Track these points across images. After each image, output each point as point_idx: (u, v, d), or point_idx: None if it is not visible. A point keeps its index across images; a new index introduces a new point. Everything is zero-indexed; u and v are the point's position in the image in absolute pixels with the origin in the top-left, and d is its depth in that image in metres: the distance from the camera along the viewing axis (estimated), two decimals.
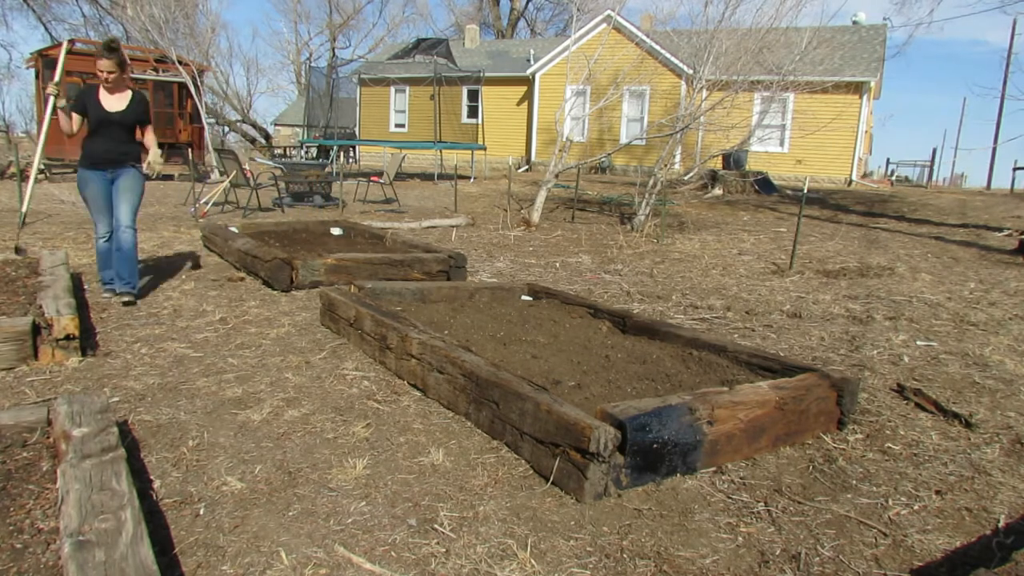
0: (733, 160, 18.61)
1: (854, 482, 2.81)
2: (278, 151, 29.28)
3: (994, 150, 30.90)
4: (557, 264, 7.94)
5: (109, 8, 30.32)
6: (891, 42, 26.21)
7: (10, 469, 2.40)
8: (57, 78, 5.74)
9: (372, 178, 14.23)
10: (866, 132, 22.53)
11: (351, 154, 27.90)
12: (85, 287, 5.72)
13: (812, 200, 15.08)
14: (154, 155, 5.23)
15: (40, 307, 4.02)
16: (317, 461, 2.83)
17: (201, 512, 2.41)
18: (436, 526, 2.38)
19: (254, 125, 33.10)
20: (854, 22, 24.35)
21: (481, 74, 24.35)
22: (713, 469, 2.85)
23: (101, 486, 2.12)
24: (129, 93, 5.17)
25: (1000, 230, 11.20)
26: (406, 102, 28.02)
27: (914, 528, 2.48)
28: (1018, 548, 2.18)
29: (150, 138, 5.30)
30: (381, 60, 28.56)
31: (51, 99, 5.42)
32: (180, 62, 19.49)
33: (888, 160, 34.72)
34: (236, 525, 2.34)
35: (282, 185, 12.76)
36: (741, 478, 2.80)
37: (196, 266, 6.83)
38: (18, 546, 2.00)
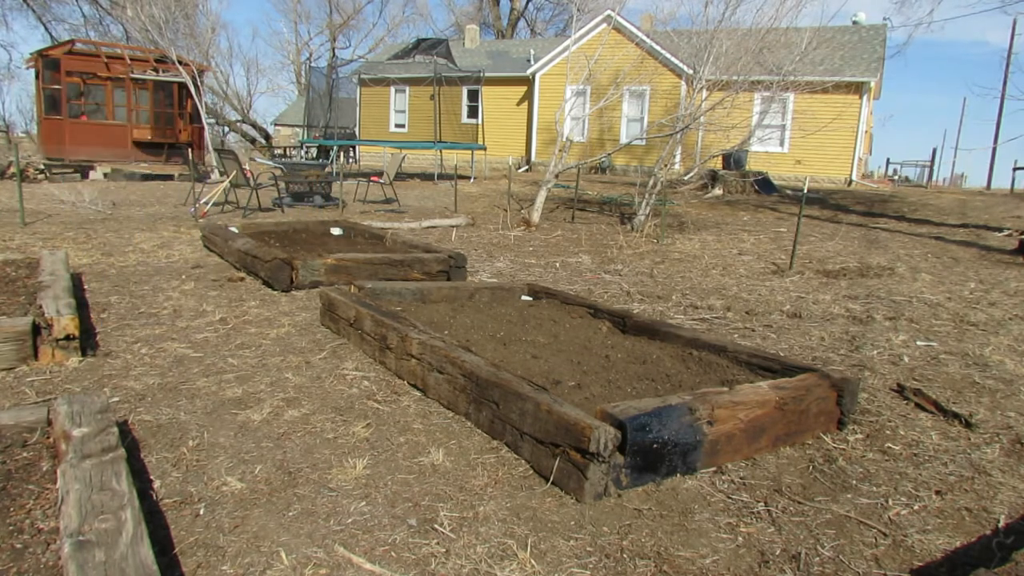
0: (733, 160, 18.61)
1: (854, 482, 2.81)
2: (278, 151, 29.30)
3: (994, 150, 30.90)
4: (557, 264, 7.94)
5: (109, 8, 30.32)
6: (891, 42, 26.22)
7: (10, 469, 2.40)
8: None
9: (372, 178, 14.23)
10: (866, 132, 22.53)
11: (351, 154, 27.91)
12: (85, 287, 5.72)
13: (812, 200, 15.08)
14: None
15: (40, 307, 4.02)
16: (317, 461, 2.83)
17: (201, 512, 2.41)
18: (436, 526, 2.38)
19: (254, 125, 33.11)
20: (854, 22, 24.35)
21: (481, 74, 24.34)
22: (713, 469, 2.85)
23: (101, 486, 2.12)
24: None
25: (1000, 230, 11.20)
26: (406, 102, 28.02)
27: (914, 528, 2.48)
28: (1018, 548, 2.18)
29: None
30: (381, 60, 28.56)
31: None
32: (180, 62, 19.49)
33: (888, 160, 34.74)
34: (236, 525, 2.34)
35: (282, 185, 12.76)
36: (741, 478, 2.80)
37: (196, 266, 6.83)
38: (18, 546, 2.00)
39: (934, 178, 32.07)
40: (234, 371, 3.87)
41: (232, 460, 2.81)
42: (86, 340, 4.18)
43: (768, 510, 2.57)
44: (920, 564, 2.27)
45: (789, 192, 17.35)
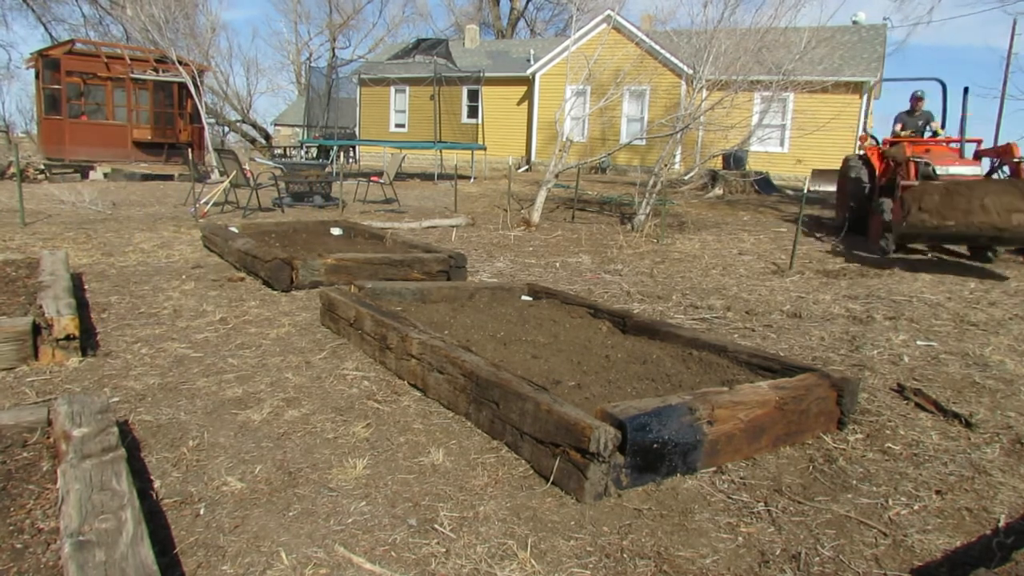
0: (733, 160, 18.60)
1: (854, 482, 2.81)
2: (278, 151, 29.29)
3: None
4: (557, 264, 7.94)
5: (109, 8, 30.32)
6: (891, 40, 26.23)
7: (10, 469, 2.40)
8: None
9: (372, 178, 14.23)
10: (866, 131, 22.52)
11: (351, 154, 27.91)
12: (85, 287, 5.72)
13: (812, 200, 15.08)
14: None
15: (40, 307, 4.02)
16: (317, 461, 2.83)
17: (201, 512, 2.41)
18: (436, 526, 2.38)
19: (254, 125, 33.09)
20: (854, 22, 24.35)
21: (481, 74, 24.34)
22: (713, 469, 2.85)
23: (101, 486, 2.12)
24: None
25: None
26: (406, 102, 28.02)
27: (914, 528, 2.48)
28: (1018, 548, 2.18)
29: None
30: (381, 60, 28.55)
31: None
32: (180, 62, 19.49)
33: None
34: (236, 525, 2.34)
35: (282, 185, 12.76)
36: (741, 478, 2.80)
37: (196, 266, 6.84)
38: (18, 546, 2.00)
39: None
40: (234, 371, 3.87)
41: (232, 460, 2.81)
42: (86, 340, 4.18)
43: (768, 510, 2.57)
44: (920, 564, 2.27)
45: (790, 192, 17.35)
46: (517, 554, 2.23)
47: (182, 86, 20.70)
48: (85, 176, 17.81)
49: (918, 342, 4.90)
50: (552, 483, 2.65)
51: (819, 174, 16.65)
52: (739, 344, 4.02)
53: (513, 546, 2.28)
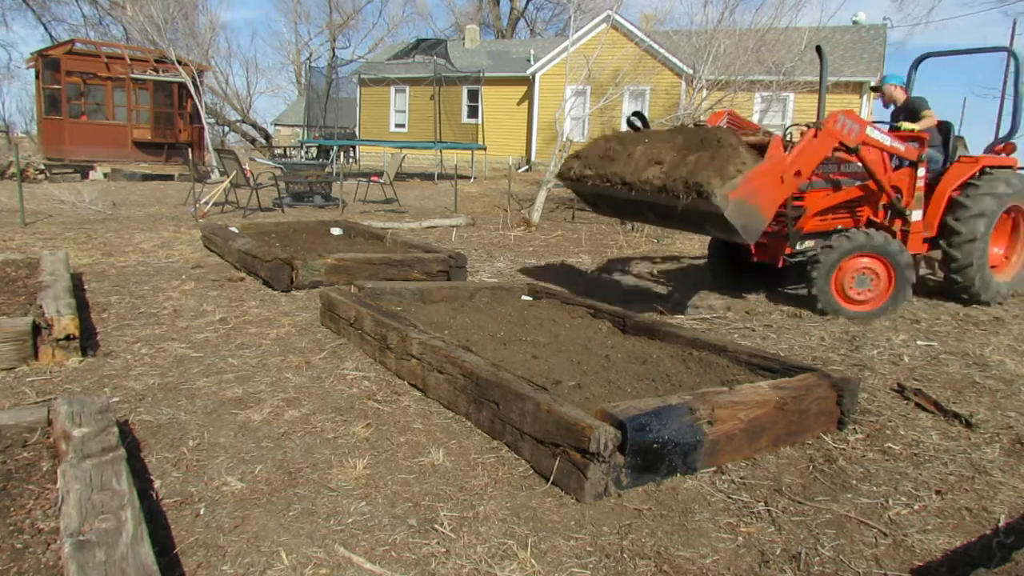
0: None
1: (854, 482, 2.81)
2: (278, 151, 29.29)
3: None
4: (557, 264, 7.94)
5: (109, 8, 30.33)
6: (890, 41, 26.24)
7: (10, 469, 2.40)
8: None
9: (372, 178, 14.23)
10: None
11: (351, 154, 27.91)
12: (85, 287, 5.72)
13: None
14: None
15: (40, 307, 4.02)
16: (317, 461, 2.83)
17: (201, 512, 2.41)
18: (436, 526, 2.38)
19: (254, 125, 33.08)
20: (854, 22, 24.36)
21: (481, 74, 24.35)
22: (713, 469, 2.85)
23: (101, 486, 2.12)
24: None
25: None
26: (406, 102, 28.03)
27: (914, 528, 2.48)
28: (1018, 548, 2.18)
29: None
30: (381, 60, 28.56)
31: None
32: (180, 62, 19.49)
33: None
34: (236, 525, 2.34)
35: (282, 185, 12.76)
36: (741, 478, 2.80)
37: (196, 266, 6.84)
38: (18, 546, 2.00)
39: None
40: (234, 371, 3.87)
41: (232, 460, 2.81)
42: (86, 340, 4.18)
43: (768, 510, 2.57)
44: (920, 564, 2.27)
45: None
46: (517, 554, 2.23)
47: (182, 86, 20.70)
48: (85, 176, 17.81)
49: (918, 342, 4.90)
50: (552, 483, 2.65)
51: None
52: (739, 344, 4.02)
53: (513, 546, 2.28)
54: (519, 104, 26.06)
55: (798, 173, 4.89)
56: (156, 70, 20.99)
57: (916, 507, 2.63)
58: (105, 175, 18.12)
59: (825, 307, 5.59)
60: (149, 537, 1.91)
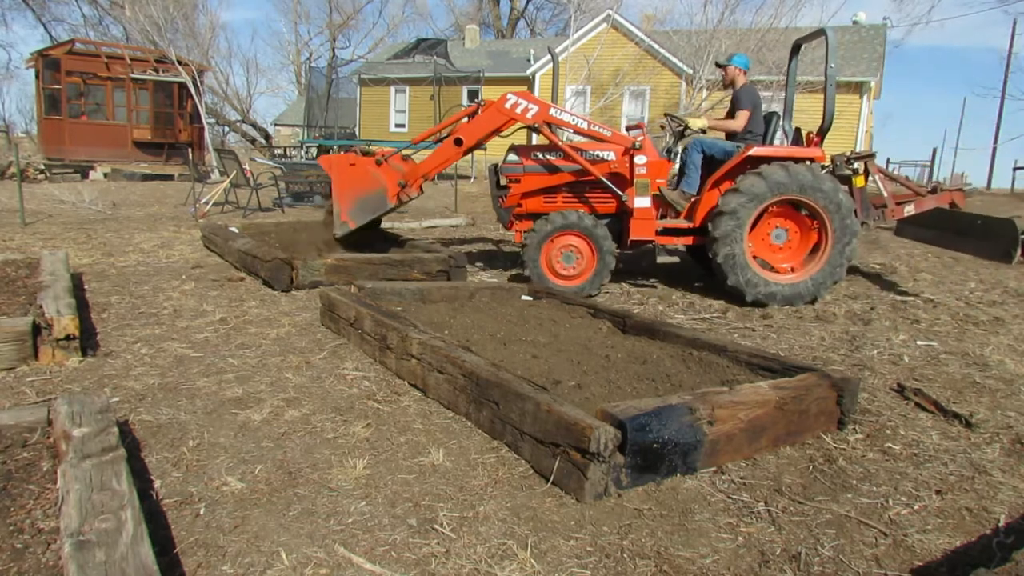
0: None
1: (854, 482, 2.81)
2: (278, 151, 29.29)
3: (994, 150, 30.95)
4: None
5: (108, 8, 30.33)
6: (890, 40, 26.25)
7: (10, 469, 2.40)
8: None
9: None
10: (866, 132, 22.53)
11: None
12: (85, 287, 5.72)
13: None
14: None
15: (40, 307, 4.02)
16: (317, 461, 2.83)
17: (201, 512, 2.41)
18: (436, 526, 2.38)
19: (254, 125, 33.08)
20: (854, 22, 24.37)
21: (481, 74, 24.34)
22: (713, 469, 2.85)
23: (101, 486, 2.12)
24: None
25: None
26: (406, 102, 28.04)
27: (914, 528, 2.48)
28: (1018, 548, 2.18)
29: None
30: (381, 60, 28.58)
31: None
32: (180, 62, 19.50)
33: (888, 160, 34.74)
34: (236, 525, 2.34)
35: (282, 185, 12.76)
36: (741, 478, 2.80)
37: (196, 266, 6.84)
38: (18, 546, 2.00)
39: (934, 178, 32.05)
40: (234, 371, 3.87)
41: (232, 460, 2.81)
42: (86, 340, 4.18)
43: (768, 510, 2.57)
44: (920, 564, 2.27)
45: None
46: (517, 554, 2.23)
47: (182, 86, 20.71)
48: (85, 176, 17.82)
49: (918, 342, 4.90)
50: (552, 483, 2.65)
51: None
52: (739, 344, 4.02)
53: (513, 546, 2.28)
54: None
55: (458, 141, 6.15)
56: (156, 70, 21.00)
57: (916, 507, 2.63)
58: (105, 175, 18.12)
59: (537, 281, 6.01)
60: (149, 537, 1.91)
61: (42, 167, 17.48)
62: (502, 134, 6.29)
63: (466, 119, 6.38)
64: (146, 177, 18.20)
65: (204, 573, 2.09)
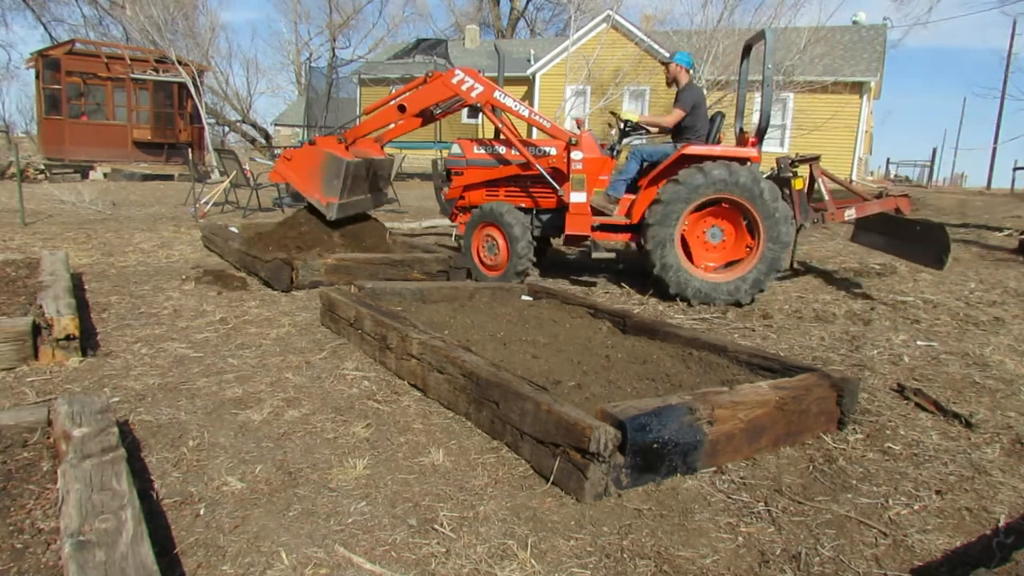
0: None
1: (854, 482, 2.81)
2: (278, 151, 29.28)
3: (994, 150, 30.95)
4: (557, 264, 7.94)
5: (108, 8, 30.33)
6: (889, 40, 26.28)
7: (10, 469, 2.40)
8: None
9: None
10: (866, 132, 22.54)
11: None
12: (85, 287, 5.72)
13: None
14: None
15: (40, 307, 4.02)
16: (317, 461, 2.83)
17: (201, 512, 2.41)
18: (436, 526, 2.38)
19: (254, 125, 33.05)
20: (854, 22, 24.37)
21: (481, 74, 24.32)
22: (713, 469, 2.85)
23: (101, 486, 2.12)
24: None
25: (1000, 230, 11.18)
26: None
27: (914, 528, 2.48)
28: (1018, 548, 2.18)
29: None
30: (381, 60, 28.57)
31: None
32: (180, 62, 19.50)
33: (888, 160, 34.75)
34: (236, 525, 2.34)
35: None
36: (741, 478, 2.80)
37: (196, 266, 6.84)
38: (18, 546, 2.00)
39: (934, 178, 32.08)
40: (234, 371, 3.87)
41: (232, 460, 2.81)
42: (86, 340, 4.18)
43: (768, 510, 2.57)
44: (920, 564, 2.27)
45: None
46: (517, 554, 2.23)
47: (182, 86, 20.71)
48: (85, 176, 17.81)
49: (918, 342, 4.90)
50: (552, 483, 2.65)
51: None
52: (739, 344, 4.02)
53: (513, 546, 2.28)
54: None
55: (401, 108, 6.29)
56: (156, 70, 20.99)
57: (916, 507, 2.63)
58: (105, 175, 18.12)
59: (476, 275, 6.23)
60: (149, 537, 1.91)
61: (42, 167, 17.47)
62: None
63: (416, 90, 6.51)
64: (146, 177, 18.20)
65: (204, 573, 2.09)
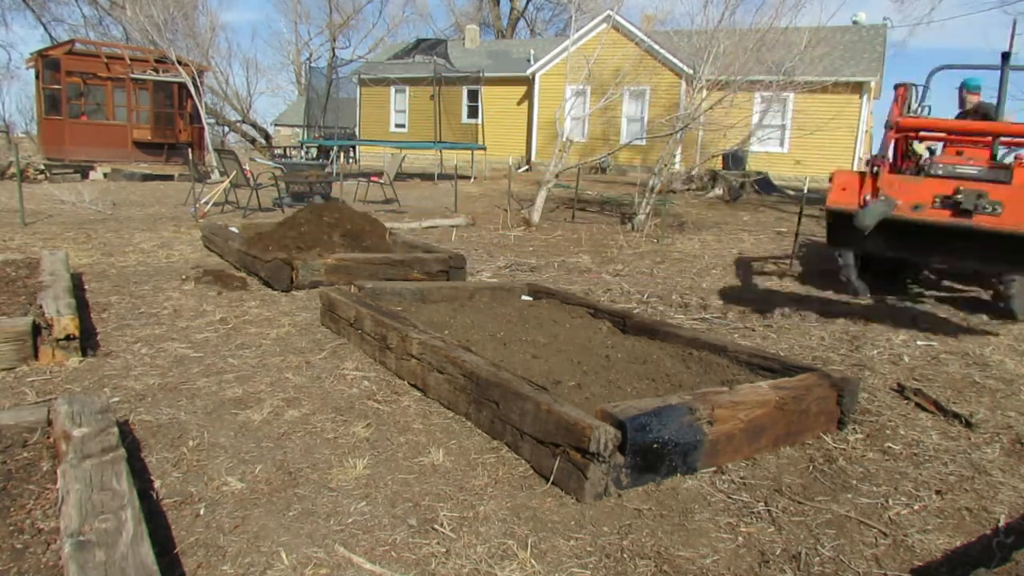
0: (733, 160, 18.59)
1: (854, 482, 2.81)
2: (278, 151, 29.28)
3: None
4: (557, 264, 7.94)
5: (108, 8, 30.33)
6: (890, 42, 26.28)
7: (10, 469, 2.40)
8: None
9: (372, 178, 14.23)
10: (866, 132, 22.50)
11: (351, 154, 27.89)
12: (85, 287, 5.72)
13: (812, 200, 15.06)
14: None
15: (40, 307, 4.02)
16: (317, 461, 2.83)
17: (201, 512, 2.41)
18: (436, 526, 2.38)
19: (254, 125, 33.06)
20: (854, 22, 24.34)
21: (481, 74, 24.33)
22: (713, 469, 2.84)
23: (101, 486, 2.12)
24: None
25: None
26: (406, 102, 28.01)
27: (914, 528, 2.48)
28: (1018, 548, 2.18)
29: None
30: (381, 60, 28.56)
31: None
32: (180, 62, 19.49)
33: None
34: (236, 525, 2.34)
35: (282, 185, 12.75)
36: (741, 478, 2.80)
37: (196, 266, 6.83)
38: (18, 546, 2.00)
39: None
40: (234, 371, 3.87)
41: (232, 460, 2.81)
42: (86, 340, 4.18)
43: (768, 510, 2.57)
44: (920, 564, 2.27)
45: (790, 192, 17.33)
46: (517, 554, 2.23)
47: (182, 86, 20.69)
48: (85, 176, 17.80)
49: (918, 342, 4.89)
50: (552, 483, 2.65)
51: None
52: (739, 344, 4.02)
53: (513, 546, 2.28)
54: (519, 104, 26.04)
55: None
56: (156, 70, 20.98)
57: (916, 507, 2.63)
58: (105, 175, 18.11)
59: None
60: (149, 537, 1.91)
61: (42, 167, 17.46)
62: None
63: None
64: (146, 177, 18.19)
65: (204, 573, 2.09)
